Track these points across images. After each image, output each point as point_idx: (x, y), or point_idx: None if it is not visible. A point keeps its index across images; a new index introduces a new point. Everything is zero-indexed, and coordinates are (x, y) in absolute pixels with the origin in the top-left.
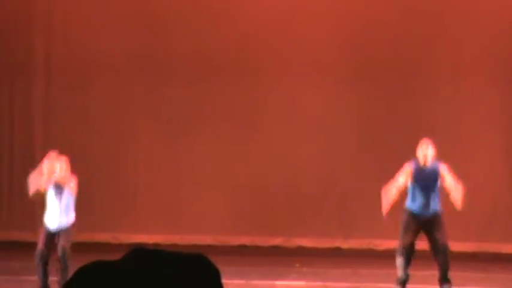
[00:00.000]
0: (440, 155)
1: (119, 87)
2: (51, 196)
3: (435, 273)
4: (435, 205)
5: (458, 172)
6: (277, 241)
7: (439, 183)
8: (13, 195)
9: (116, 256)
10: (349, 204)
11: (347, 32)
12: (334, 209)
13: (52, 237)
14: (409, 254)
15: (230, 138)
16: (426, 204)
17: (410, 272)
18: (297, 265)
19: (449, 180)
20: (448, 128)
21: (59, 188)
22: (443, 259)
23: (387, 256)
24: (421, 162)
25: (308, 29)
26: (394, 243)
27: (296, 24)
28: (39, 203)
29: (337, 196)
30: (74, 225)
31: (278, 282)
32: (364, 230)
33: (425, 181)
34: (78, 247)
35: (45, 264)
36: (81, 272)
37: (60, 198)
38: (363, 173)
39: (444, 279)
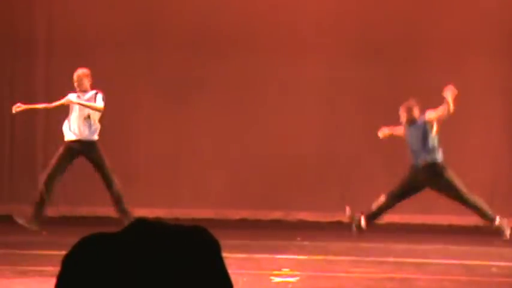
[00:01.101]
0: (442, 132)
1: (119, 61)
2: None
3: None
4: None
5: (458, 147)
6: (278, 215)
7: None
8: (14, 169)
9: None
10: (351, 178)
11: (351, 3)
12: (335, 183)
13: None
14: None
15: (230, 112)
16: None
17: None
18: (298, 239)
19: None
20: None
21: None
22: None
23: (389, 230)
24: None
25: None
26: (396, 217)
27: None
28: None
29: (339, 170)
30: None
31: (279, 256)
32: (366, 203)
33: None
34: (79, 221)
35: None
36: (81, 243)
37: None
38: (364, 146)
39: None
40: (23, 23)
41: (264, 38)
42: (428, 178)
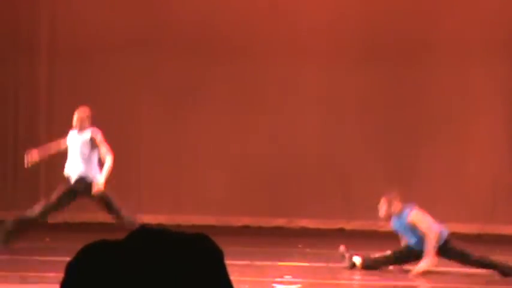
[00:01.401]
0: (442, 134)
1: (120, 64)
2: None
3: None
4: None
5: (461, 151)
6: (280, 222)
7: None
8: (17, 175)
9: (119, 236)
10: (353, 185)
11: (350, 5)
12: (337, 190)
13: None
14: None
15: (231, 118)
16: None
17: None
18: (300, 246)
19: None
20: (452, 111)
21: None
22: None
23: (390, 237)
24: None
25: (310, 2)
26: None
27: None
28: (43, 184)
29: (341, 177)
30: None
31: (281, 263)
32: (368, 211)
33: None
34: (81, 227)
35: None
36: (85, 251)
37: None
38: (366, 153)
39: None
40: (26, 23)
41: (263, 41)
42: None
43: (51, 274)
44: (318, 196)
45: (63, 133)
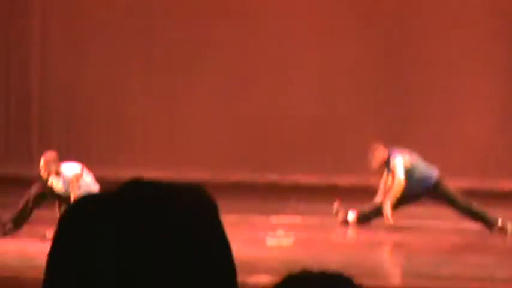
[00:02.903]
0: (437, 91)
1: (115, 23)
2: None
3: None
4: None
5: (456, 106)
6: (273, 177)
7: None
8: (10, 129)
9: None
10: (346, 140)
11: None
12: (330, 146)
13: None
14: None
15: (226, 75)
16: None
17: None
18: (293, 201)
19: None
20: (448, 68)
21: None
22: None
23: None
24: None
25: None
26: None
27: None
28: (35, 140)
29: (334, 132)
30: None
31: (274, 218)
32: (360, 166)
33: None
34: None
35: None
36: (77, 204)
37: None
38: (360, 109)
39: None
40: None
41: (259, 2)
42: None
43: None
44: (311, 151)
45: (56, 90)
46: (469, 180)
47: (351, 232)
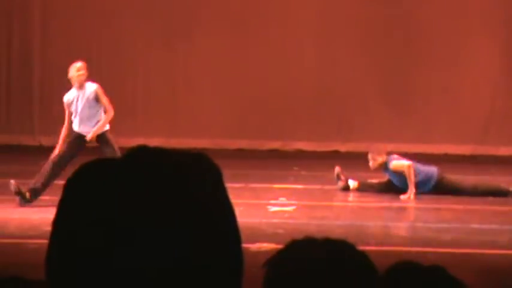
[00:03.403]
0: (438, 58)
1: None
2: None
3: None
4: None
5: (456, 74)
6: (275, 145)
7: None
8: (11, 98)
9: None
10: (348, 107)
11: None
12: (332, 113)
13: None
14: None
15: (227, 43)
16: None
17: None
18: (295, 168)
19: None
20: (447, 31)
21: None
22: None
23: None
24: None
25: None
26: (391, 147)
27: None
28: (37, 107)
29: (336, 100)
30: None
31: (276, 185)
32: (362, 133)
33: None
34: None
35: None
36: (83, 169)
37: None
38: (362, 77)
39: None
40: None
41: None
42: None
43: (46, 197)
44: (313, 118)
45: (56, 64)
46: (470, 146)
47: (352, 198)
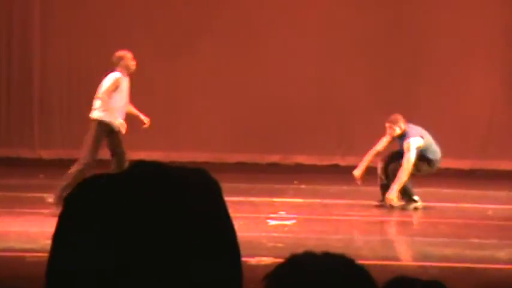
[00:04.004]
0: (439, 73)
1: (116, 3)
2: None
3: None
4: None
5: (456, 88)
6: (275, 158)
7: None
8: (11, 111)
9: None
10: (348, 121)
11: None
12: (332, 127)
13: None
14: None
15: (227, 56)
16: None
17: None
18: (295, 182)
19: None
20: (447, 46)
21: None
22: None
23: None
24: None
25: None
26: None
27: None
28: (37, 120)
29: (336, 113)
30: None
31: (276, 199)
32: (363, 147)
33: None
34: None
35: None
36: (84, 183)
37: None
38: (361, 90)
39: None
40: None
41: None
42: None
43: (45, 210)
44: (313, 132)
45: (57, 75)
46: (470, 161)
47: (352, 212)
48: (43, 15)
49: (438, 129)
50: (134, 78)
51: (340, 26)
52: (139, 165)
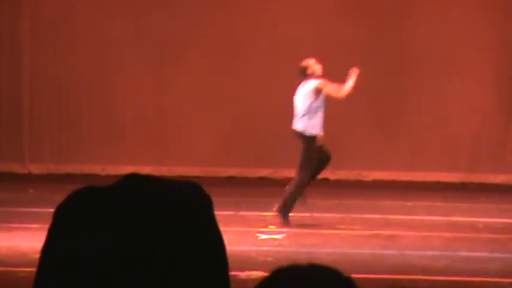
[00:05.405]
0: (429, 86)
1: (104, 20)
2: None
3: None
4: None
5: (447, 101)
6: (265, 172)
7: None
8: (1, 126)
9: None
10: (338, 136)
11: None
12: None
13: None
14: None
15: (217, 70)
16: None
17: None
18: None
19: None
20: (438, 56)
21: None
22: None
23: (375, 187)
24: None
25: None
26: (381, 175)
27: None
28: (27, 135)
29: (326, 128)
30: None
31: (266, 213)
32: (352, 161)
33: None
34: (67, 178)
35: None
36: (73, 196)
37: None
38: (351, 105)
39: None
40: None
41: None
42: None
43: (34, 225)
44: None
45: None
46: (460, 174)
47: (342, 226)
48: (32, 30)
49: (429, 143)
50: (123, 92)
51: (330, 41)
52: (130, 178)
